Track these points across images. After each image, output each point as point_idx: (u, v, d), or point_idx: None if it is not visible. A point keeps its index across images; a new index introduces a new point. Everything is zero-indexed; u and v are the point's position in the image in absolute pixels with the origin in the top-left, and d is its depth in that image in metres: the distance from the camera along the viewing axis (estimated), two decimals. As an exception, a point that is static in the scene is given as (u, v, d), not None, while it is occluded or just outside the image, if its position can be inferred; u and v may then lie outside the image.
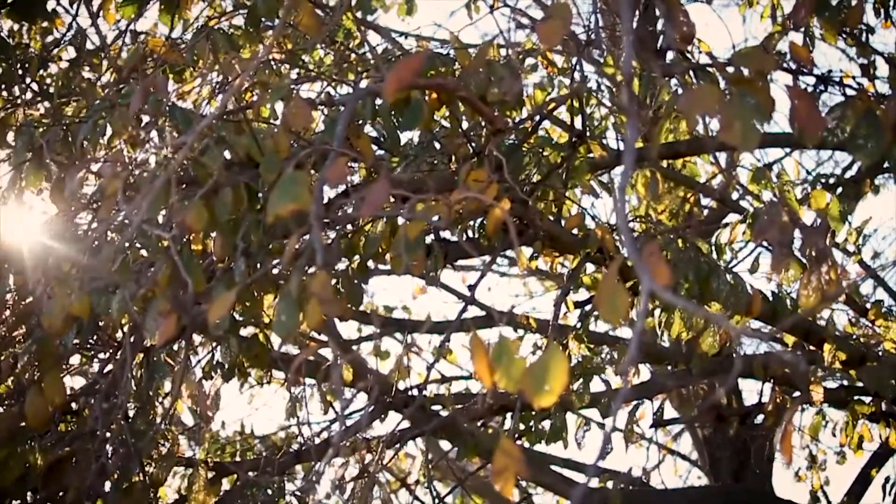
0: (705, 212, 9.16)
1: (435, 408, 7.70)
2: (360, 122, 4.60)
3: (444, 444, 9.50)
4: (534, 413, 6.49)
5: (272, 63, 4.72)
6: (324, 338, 8.02)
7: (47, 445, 4.69)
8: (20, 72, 6.88)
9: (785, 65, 3.97)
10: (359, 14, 9.18)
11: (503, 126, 4.34)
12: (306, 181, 3.51)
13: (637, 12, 3.90)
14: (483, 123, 4.58)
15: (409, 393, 7.34)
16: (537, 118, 5.03)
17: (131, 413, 4.94)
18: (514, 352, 3.02)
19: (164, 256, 4.25)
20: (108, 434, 4.47)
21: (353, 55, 5.01)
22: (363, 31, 8.94)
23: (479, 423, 7.50)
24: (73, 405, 5.03)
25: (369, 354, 9.66)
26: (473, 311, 7.44)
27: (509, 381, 3.00)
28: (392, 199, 3.72)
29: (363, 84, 4.48)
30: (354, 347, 8.61)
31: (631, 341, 2.25)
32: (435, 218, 3.97)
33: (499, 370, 3.02)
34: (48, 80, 7.34)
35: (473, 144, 4.78)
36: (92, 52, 6.86)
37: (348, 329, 12.11)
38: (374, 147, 4.94)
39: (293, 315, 3.51)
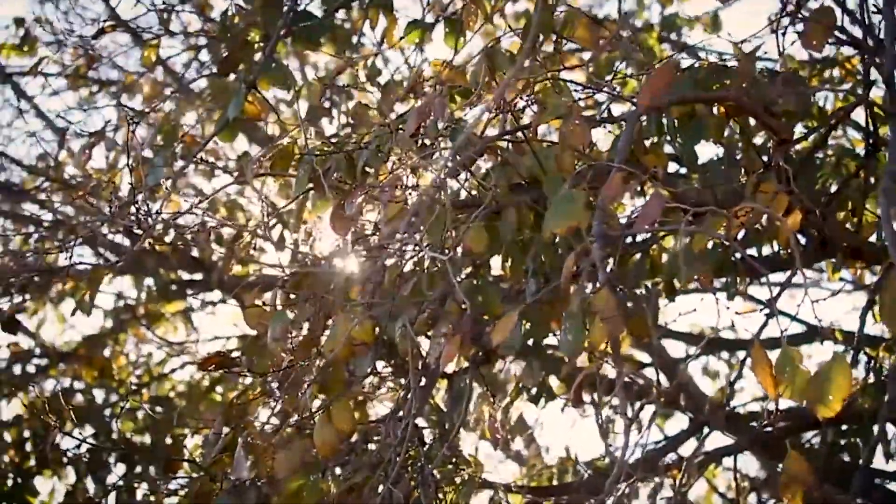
0: None
1: (752, 424, 7.65)
2: (648, 138, 4.64)
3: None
4: (847, 428, 6.38)
5: (558, 81, 4.78)
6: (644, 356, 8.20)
7: (344, 475, 4.80)
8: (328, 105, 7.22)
9: None
10: (664, 32, 9.25)
11: (789, 136, 4.32)
12: (582, 198, 3.58)
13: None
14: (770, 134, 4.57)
15: (729, 411, 7.31)
16: (827, 127, 4.98)
17: (429, 439, 5.04)
18: (798, 363, 3.04)
19: (446, 280, 4.36)
20: (403, 461, 4.57)
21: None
22: (673, 46, 8.99)
23: (800, 438, 7.40)
24: (378, 431, 5.15)
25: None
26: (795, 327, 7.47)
27: (793, 392, 3.03)
28: (683, 215, 3.75)
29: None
30: (681, 366, 8.65)
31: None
32: (720, 232, 3.98)
33: (782, 381, 3.04)
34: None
35: (764, 157, 4.77)
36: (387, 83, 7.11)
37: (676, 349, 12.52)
38: (674, 164, 4.97)
39: (579, 334, 3.57)
